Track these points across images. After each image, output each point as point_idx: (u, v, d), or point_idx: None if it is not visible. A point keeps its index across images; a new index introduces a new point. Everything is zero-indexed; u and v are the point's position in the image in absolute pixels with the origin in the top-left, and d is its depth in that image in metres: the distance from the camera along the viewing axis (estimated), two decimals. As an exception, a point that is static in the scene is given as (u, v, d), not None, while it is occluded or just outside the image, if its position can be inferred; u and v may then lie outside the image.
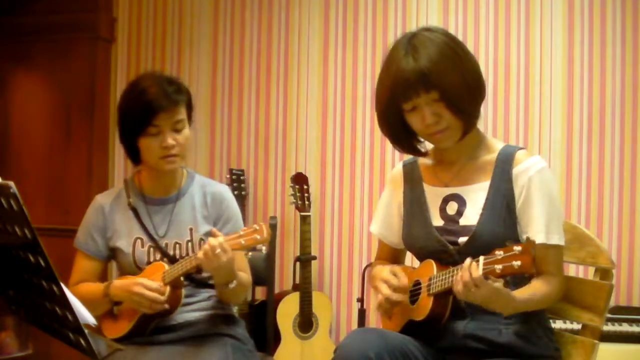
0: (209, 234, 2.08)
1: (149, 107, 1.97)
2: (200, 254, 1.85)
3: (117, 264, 2.15)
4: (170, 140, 1.99)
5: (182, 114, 2.03)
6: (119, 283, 1.99)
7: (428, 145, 1.84)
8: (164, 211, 2.10)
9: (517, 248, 1.40)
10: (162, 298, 1.91)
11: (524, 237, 1.66)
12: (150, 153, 2.02)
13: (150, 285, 1.91)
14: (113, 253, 2.12)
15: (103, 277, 2.14)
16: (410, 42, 1.65)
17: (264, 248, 2.96)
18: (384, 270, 1.74)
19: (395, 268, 1.74)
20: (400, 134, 1.74)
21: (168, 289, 1.94)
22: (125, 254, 2.06)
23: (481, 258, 1.46)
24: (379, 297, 1.71)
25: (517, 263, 1.39)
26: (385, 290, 1.68)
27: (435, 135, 1.67)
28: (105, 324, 2.08)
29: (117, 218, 2.10)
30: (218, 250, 1.82)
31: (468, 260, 1.48)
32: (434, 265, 1.69)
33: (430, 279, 1.67)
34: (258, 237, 1.82)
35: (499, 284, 1.46)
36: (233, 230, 2.10)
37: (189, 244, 2.07)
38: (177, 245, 2.07)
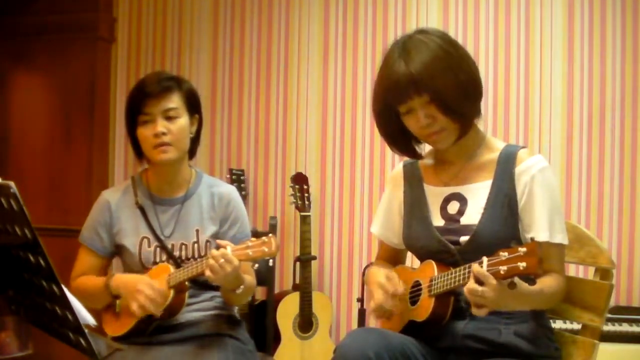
0: (216, 235, 2.08)
1: (139, 94, 2.01)
2: (207, 272, 1.83)
3: (123, 262, 2.15)
4: (160, 127, 1.99)
5: (175, 102, 2.02)
6: (121, 277, 1.99)
7: (425, 147, 1.84)
8: (171, 211, 2.10)
9: (522, 249, 1.39)
10: (162, 302, 1.90)
11: (527, 236, 1.66)
12: (145, 143, 2.03)
13: (155, 286, 1.90)
14: (118, 250, 2.12)
15: (105, 273, 2.13)
16: (404, 45, 1.67)
17: (271, 261, 2.95)
18: (380, 274, 1.72)
19: (391, 273, 1.72)
20: (397, 136, 1.75)
21: (172, 292, 1.94)
22: (132, 253, 2.06)
23: (485, 259, 1.45)
24: (371, 304, 1.70)
25: (522, 264, 1.38)
26: (380, 296, 1.67)
27: (431, 136, 1.68)
28: (107, 321, 2.09)
29: (124, 215, 2.10)
30: (222, 260, 1.81)
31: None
32: (434, 266, 1.69)
33: (431, 280, 1.67)
34: (266, 249, 1.81)
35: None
36: (239, 233, 2.11)
37: (195, 245, 2.07)
38: (183, 247, 2.07)
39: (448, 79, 1.61)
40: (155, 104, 2.00)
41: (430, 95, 1.61)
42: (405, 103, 1.64)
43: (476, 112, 1.71)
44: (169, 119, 2.01)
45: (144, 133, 2.02)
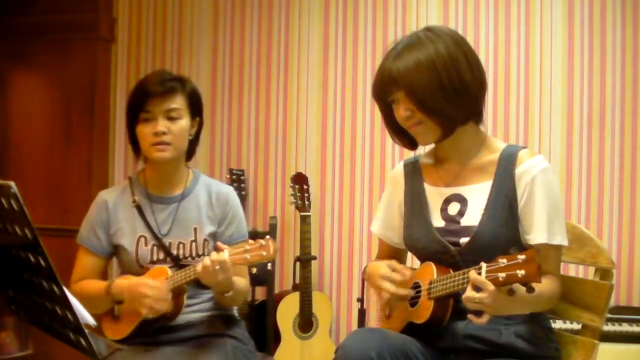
0: (214, 235, 2.08)
1: (142, 92, 2.02)
2: (199, 267, 1.84)
3: (119, 262, 2.14)
4: (161, 127, 2.00)
5: (178, 103, 2.03)
6: (122, 282, 1.98)
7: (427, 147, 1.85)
8: (168, 210, 2.10)
9: (521, 257, 1.39)
10: (167, 296, 1.91)
11: (526, 237, 1.66)
12: (143, 140, 2.04)
13: (156, 285, 1.91)
14: (116, 250, 2.12)
15: (104, 274, 2.13)
16: (404, 41, 1.71)
17: (269, 264, 2.93)
18: (382, 267, 1.73)
19: (393, 263, 1.73)
20: (391, 122, 1.78)
21: (171, 295, 1.94)
22: (129, 252, 2.06)
23: (483, 265, 1.45)
24: (384, 296, 1.70)
25: (521, 272, 1.38)
26: (391, 287, 1.68)
27: (411, 129, 1.72)
28: (106, 324, 2.08)
29: (121, 215, 2.10)
30: (217, 267, 1.81)
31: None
32: (434, 268, 1.69)
33: (430, 283, 1.67)
34: (264, 253, 1.80)
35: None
36: (236, 233, 2.11)
37: (193, 244, 2.07)
38: (181, 245, 2.07)
39: (426, 78, 1.63)
40: (158, 103, 2.01)
41: (405, 91, 1.66)
42: (389, 95, 1.70)
43: (463, 114, 1.69)
44: (170, 119, 2.02)
45: (144, 130, 2.02)
